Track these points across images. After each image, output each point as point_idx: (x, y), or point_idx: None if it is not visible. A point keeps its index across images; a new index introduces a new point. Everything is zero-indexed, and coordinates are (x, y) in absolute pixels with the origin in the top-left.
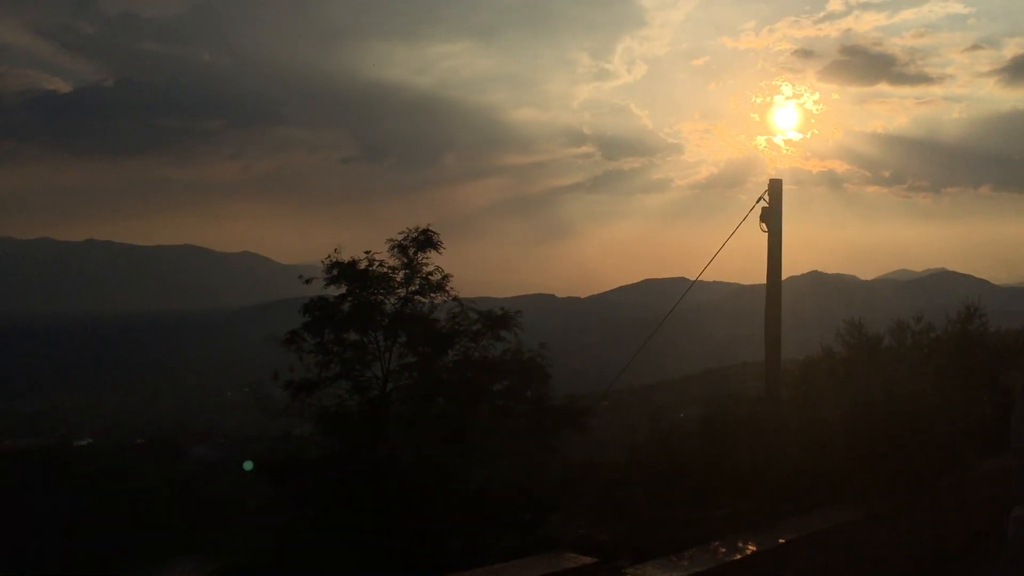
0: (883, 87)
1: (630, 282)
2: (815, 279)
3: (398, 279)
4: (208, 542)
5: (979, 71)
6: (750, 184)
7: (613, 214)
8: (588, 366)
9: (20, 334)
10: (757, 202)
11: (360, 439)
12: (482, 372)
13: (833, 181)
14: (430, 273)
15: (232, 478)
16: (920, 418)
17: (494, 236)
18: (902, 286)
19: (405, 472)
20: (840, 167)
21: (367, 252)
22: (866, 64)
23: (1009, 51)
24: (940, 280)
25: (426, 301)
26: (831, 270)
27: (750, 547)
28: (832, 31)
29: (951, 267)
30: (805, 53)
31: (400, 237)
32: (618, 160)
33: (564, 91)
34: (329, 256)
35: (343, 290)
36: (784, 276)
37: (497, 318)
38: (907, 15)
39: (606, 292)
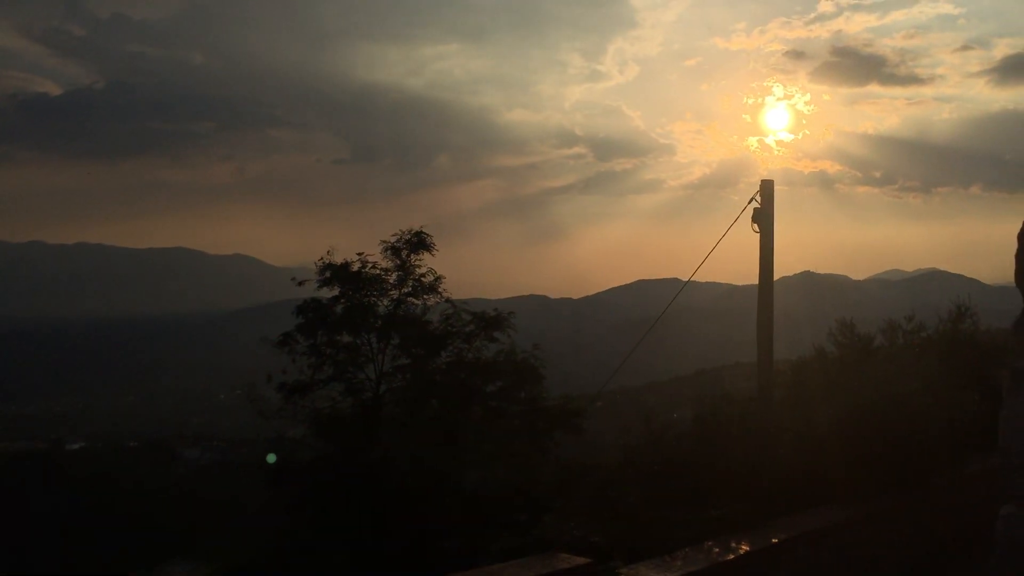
0: (874, 88)
1: (623, 283)
2: (807, 279)
3: (391, 281)
4: (203, 544)
5: (969, 71)
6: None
7: (606, 215)
8: (581, 367)
9: (12, 337)
10: (749, 203)
11: (353, 441)
12: (475, 373)
13: (824, 182)
14: (423, 275)
15: (226, 481)
16: (911, 418)
17: (487, 237)
18: (894, 286)
19: (399, 474)
20: (831, 168)
21: (360, 254)
22: (857, 65)
23: (999, 51)
24: (931, 280)
25: (419, 303)
26: (823, 270)
27: (743, 547)
28: (823, 32)
29: (942, 267)
30: (796, 54)
31: (393, 239)
32: (610, 161)
33: (556, 92)
34: (322, 258)
35: (336, 292)
36: (776, 276)
37: (490, 319)
38: (897, 16)
39: (599, 293)
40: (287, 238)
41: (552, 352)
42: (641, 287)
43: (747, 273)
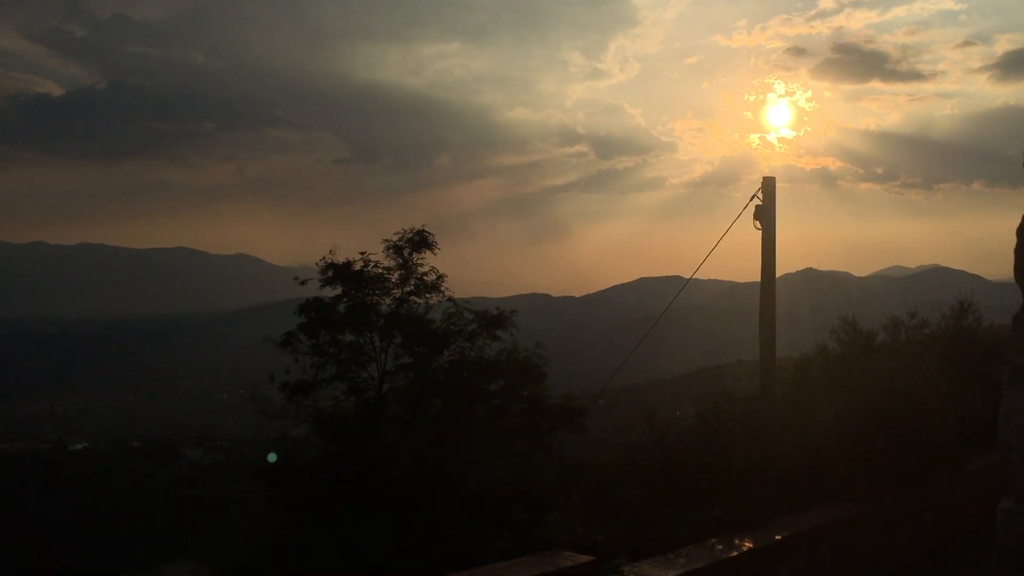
0: (875, 84)
1: (625, 281)
2: (809, 276)
3: (393, 280)
4: (206, 544)
5: (971, 67)
6: (744, 182)
7: (607, 213)
8: (584, 365)
9: (14, 338)
10: (751, 200)
11: (356, 440)
12: (478, 372)
13: (826, 178)
14: (425, 274)
15: (228, 480)
16: (913, 415)
17: (489, 236)
18: (896, 282)
19: (401, 473)
20: (833, 164)
21: (362, 253)
22: (858, 62)
23: (1000, 47)
24: (933, 276)
25: (421, 302)
26: (825, 267)
27: (746, 544)
28: (824, 29)
29: (944, 263)
30: (798, 51)
31: (395, 238)
32: (612, 159)
33: (557, 91)
34: (324, 257)
35: (338, 291)
36: (778, 273)
37: (492, 318)
38: (899, 12)
39: (601, 291)
40: (289, 238)
41: (554, 350)
42: (643, 285)
43: (749, 270)
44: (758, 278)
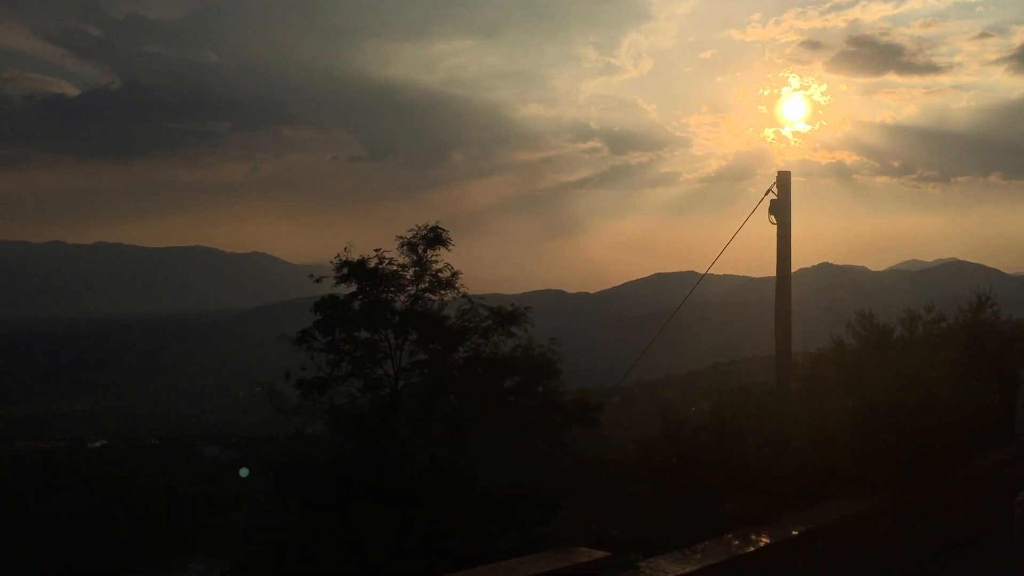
0: (891, 77)
1: (640, 276)
2: (825, 271)
3: (408, 277)
4: (220, 541)
5: (988, 59)
6: (759, 176)
7: (622, 209)
8: (598, 361)
9: (33, 337)
10: (766, 195)
11: (372, 437)
12: (492, 368)
13: (842, 172)
14: (439, 270)
15: (245, 478)
16: (927, 410)
17: (503, 233)
18: (913, 276)
19: (416, 469)
20: (849, 158)
21: (377, 250)
22: (874, 54)
23: (1018, 38)
24: (951, 270)
25: (436, 298)
26: (841, 261)
27: (763, 539)
28: (839, 22)
29: (962, 256)
30: (812, 44)
31: (409, 235)
32: (626, 155)
33: (571, 87)
34: (339, 255)
35: (353, 288)
36: (794, 268)
37: (507, 314)
38: (914, 4)
39: (616, 287)
40: (304, 236)
41: (569, 346)
42: (658, 280)
43: (764, 265)
44: (773, 273)
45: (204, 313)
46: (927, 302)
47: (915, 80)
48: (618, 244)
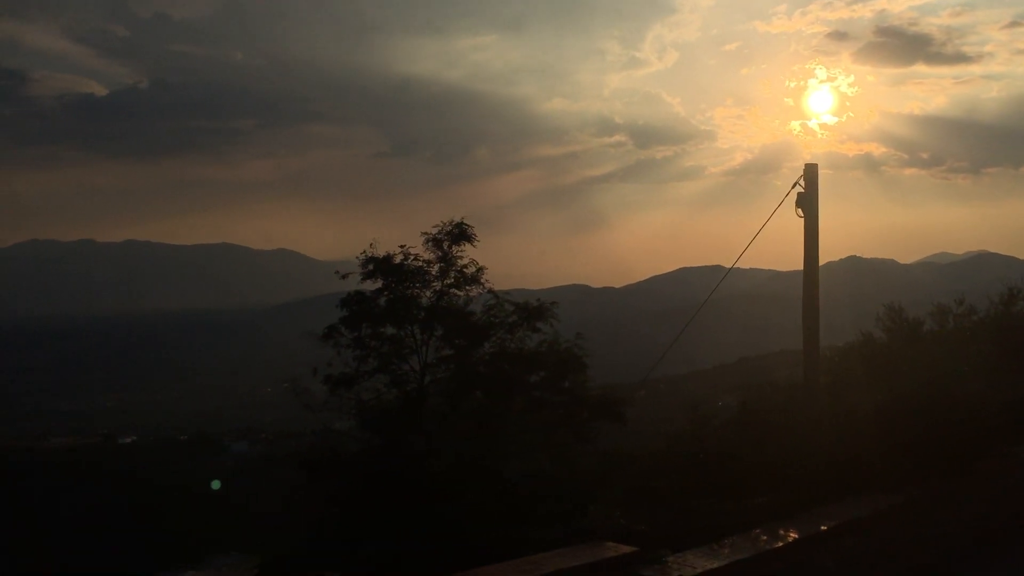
0: (919, 67)
1: (666, 271)
2: (853, 264)
3: (433, 272)
4: (251, 535)
5: (1018, 48)
6: (785, 169)
7: (647, 203)
8: (624, 356)
9: (65, 335)
10: (793, 187)
11: (399, 432)
12: (518, 364)
13: (870, 164)
14: (465, 266)
15: (273, 472)
16: (957, 403)
17: (528, 228)
18: (942, 269)
19: (442, 465)
20: (877, 150)
21: (402, 246)
22: (902, 45)
23: None
24: (981, 262)
25: (461, 294)
26: (869, 254)
27: (791, 534)
28: (866, 12)
29: (992, 249)
30: (839, 35)
31: (434, 230)
32: (650, 148)
33: (595, 80)
34: (364, 251)
35: (379, 285)
36: (822, 261)
37: (533, 310)
38: None
39: (642, 281)
40: (329, 232)
41: (595, 341)
42: (684, 275)
43: (792, 259)
44: (800, 266)
45: (231, 310)
46: (957, 295)
47: (944, 70)
48: (643, 238)
